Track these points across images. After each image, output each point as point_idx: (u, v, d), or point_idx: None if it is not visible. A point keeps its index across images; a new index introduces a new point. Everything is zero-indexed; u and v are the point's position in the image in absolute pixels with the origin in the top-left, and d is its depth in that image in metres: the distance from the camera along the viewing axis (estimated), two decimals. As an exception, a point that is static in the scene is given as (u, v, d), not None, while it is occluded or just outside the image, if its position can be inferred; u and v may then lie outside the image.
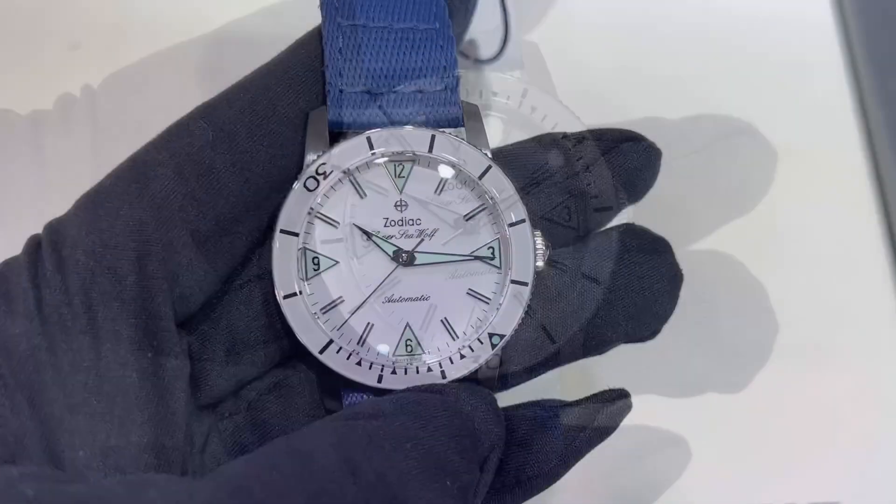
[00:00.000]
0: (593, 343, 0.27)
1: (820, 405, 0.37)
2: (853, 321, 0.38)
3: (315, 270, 0.25)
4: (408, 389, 0.25)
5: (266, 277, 0.26)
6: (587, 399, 0.26)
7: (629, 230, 0.27)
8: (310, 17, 0.27)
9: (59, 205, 0.25)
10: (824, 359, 0.38)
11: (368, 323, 0.26)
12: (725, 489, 0.35)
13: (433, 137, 0.25)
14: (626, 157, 0.27)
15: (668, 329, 0.28)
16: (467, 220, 0.26)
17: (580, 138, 0.27)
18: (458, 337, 0.26)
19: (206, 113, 0.25)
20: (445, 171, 0.26)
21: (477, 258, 0.26)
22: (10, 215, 0.36)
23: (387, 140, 0.25)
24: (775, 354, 0.37)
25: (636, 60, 0.42)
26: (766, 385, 0.37)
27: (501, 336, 0.25)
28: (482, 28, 0.33)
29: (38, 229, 0.24)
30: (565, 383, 0.30)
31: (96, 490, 0.19)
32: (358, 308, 0.26)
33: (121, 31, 0.41)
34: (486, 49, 0.35)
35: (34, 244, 0.23)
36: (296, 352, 0.26)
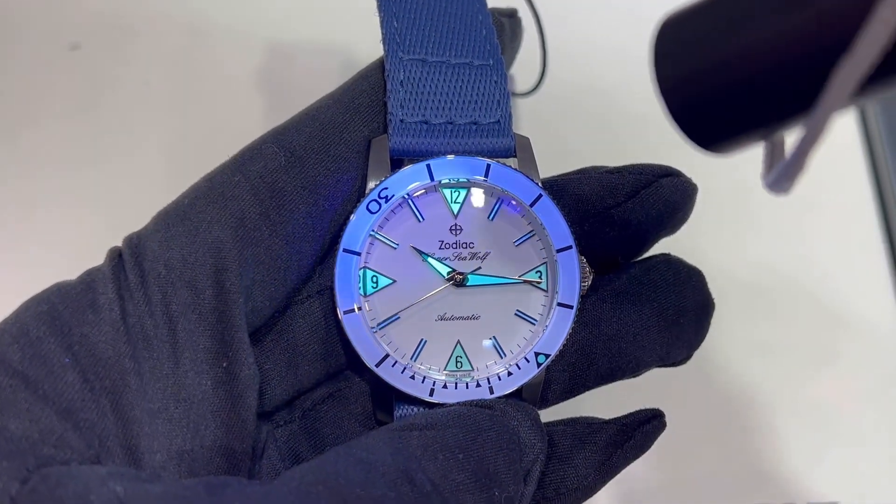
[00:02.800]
0: (630, 366, 0.28)
1: (820, 405, 0.37)
2: (853, 321, 0.39)
3: (374, 288, 0.27)
4: (458, 404, 0.26)
5: (326, 293, 0.27)
6: (623, 418, 0.27)
7: (666, 260, 0.29)
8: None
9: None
10: (824, 359, 0.38)
11: (422, 339, 0.27)
12: (725, 489, 0.36)
13: (488, 166, 0.27)
14: (665, 191, 0.28)
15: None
16: (517, 245, 0.28)
17: (622, 172, 0.28)
18: (505, 355, 0.27)
19: (277, 139, 0.26)
20: (498, 198, 0.28)
21: (525, 281, 0.27)
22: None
23: (445, 168, 0.27)
24: (775, 354, 0.38)
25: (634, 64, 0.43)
26: (765, 385, 0.37)
27: (547, 355, 0.27)
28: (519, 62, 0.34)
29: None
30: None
31: (178, 489, 0.20)
32: (412, 324, 0.27)
33: (121, 30, 0.41)
34: (522, 83, 0.37)
35: (115, 256, 0.24)
36: (351, 364, 0.28)
